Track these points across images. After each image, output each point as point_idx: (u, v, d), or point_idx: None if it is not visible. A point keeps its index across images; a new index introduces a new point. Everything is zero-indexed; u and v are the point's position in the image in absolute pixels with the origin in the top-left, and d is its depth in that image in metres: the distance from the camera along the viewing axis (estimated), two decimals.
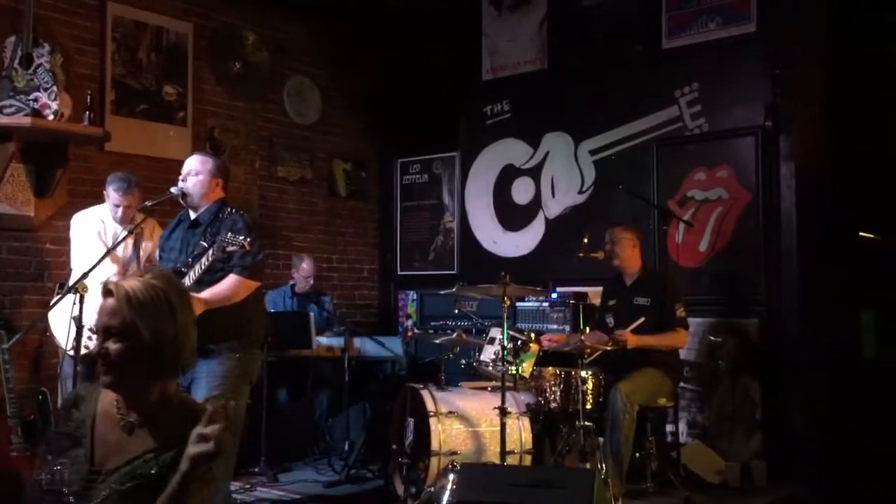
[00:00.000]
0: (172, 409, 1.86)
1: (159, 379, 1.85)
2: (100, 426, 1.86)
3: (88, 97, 5.16)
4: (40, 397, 4.68)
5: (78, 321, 4.31)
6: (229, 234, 3.62)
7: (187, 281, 3.68)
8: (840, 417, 5.23)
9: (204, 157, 4.10)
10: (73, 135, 5.10)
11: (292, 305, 6.11)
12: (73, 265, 4.76)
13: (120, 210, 4.69)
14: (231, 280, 3.79)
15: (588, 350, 4.53)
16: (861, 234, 5.72)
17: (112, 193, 4.70)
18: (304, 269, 6.19)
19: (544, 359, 4.92)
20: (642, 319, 4.68)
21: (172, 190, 4.01)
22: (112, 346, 1.80)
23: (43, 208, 5.20)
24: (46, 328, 4.64)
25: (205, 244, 3.74)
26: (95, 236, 4.71)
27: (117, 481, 1.77)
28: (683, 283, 5.61)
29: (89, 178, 5.39)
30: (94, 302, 4.47)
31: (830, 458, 5.14)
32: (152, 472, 1.76)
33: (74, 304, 3.88)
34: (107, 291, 1.84)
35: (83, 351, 4.18)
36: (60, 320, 4.51)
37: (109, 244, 4.66)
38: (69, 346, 4.42)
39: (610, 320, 4.97)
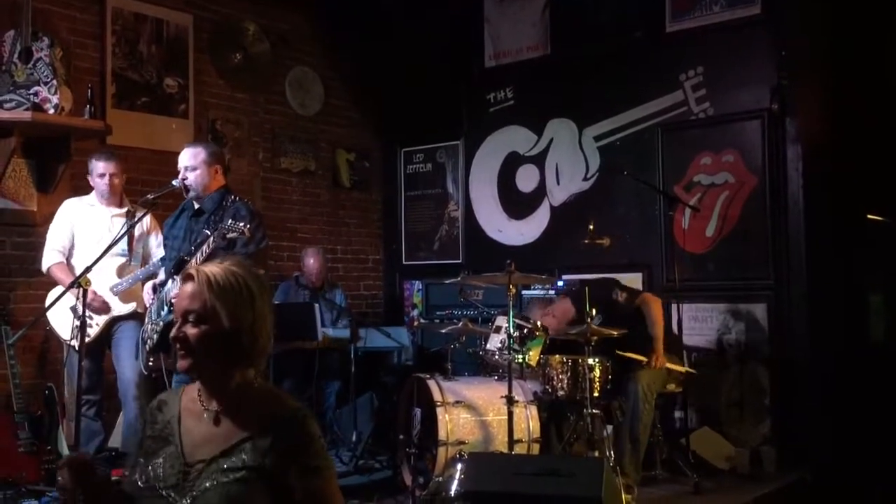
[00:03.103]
0: (255, 396, 1.85)
1: (237, 366, 1.84)
2: (185, 421, 1.87)
3: (89, 91, 5.13)
4: (47, 392, 4.69)
5: (77, 312, 4.33)
6: (230, 221, 3.61)
7: None
8: (849, 402, 5.20)
9: (195, 148, 4.08)
10: (74, 129, 5.08)
11: (303, 297, 6.08)
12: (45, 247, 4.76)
13: (106, 179, 4.69)
14: None
15: (595, 337, 4.50)
16: (869, 216, 5.67)
17: (95, 164, 4.72)
18: (308, 265, 6.17)
19: (551, 347, 4.91)
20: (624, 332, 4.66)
21: (174, 183, 4.01)
22: (190, 330, 1.81)
23: (45, 203, 5.18)
24: (48, 322, 4.64)
25: (207, 232, 3.73)
26: (66, 224, 4.71)
27: (218, 472, 1.76)
28: (690, 269, 5.59)
29: None
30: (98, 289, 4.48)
31: (839, 442, 5.11)
32: (257, 463, 1.75)
33: (78, 298, 3.87)
34: (187, 276, 1.85)
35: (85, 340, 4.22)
36: (59, 312, 4.51)
37: (88, 230, 4.65)
38: (71, 337, 4.44)
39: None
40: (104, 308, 4.59)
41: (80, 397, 4.07)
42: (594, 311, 4.72)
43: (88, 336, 4.45)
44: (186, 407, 1.89)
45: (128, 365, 4.57)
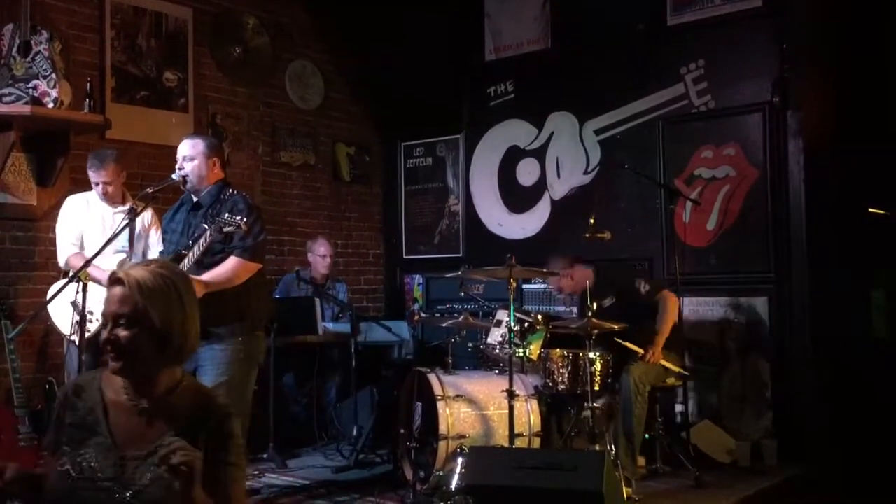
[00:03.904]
0: (183, 393, 1.92)
1: (168, 365, 1.91)
2: (112, 414, 1.90)
3: (88, 84, 5.12)
4: (47, 387, 4.69)
5: (77, 307, 4.32)
6: (227, 214, 3.59)
7: (187, 262, 3.65)
8: (850, 396, 5.19)
9: (193, 140, 4.05)
10: (73, 123, 5.06)
11: (305, 292, 6.07)
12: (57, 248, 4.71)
13: (100, 188, 4.62)
14: (231, 262, 3.76)
15: (595, 331, 4.50)
16: (871, 210, 5.65)
17: (88, 171, 4.65)
18: (319, 251, 6.16)
19: (552, 341, 4.90)
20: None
21: (173, 176, 3.98)
22: (122, 332, 1.85)
23: (45, 197, 5.17)
24: (48, 316, 4.62)
25: (205, 226, 3.71)
26: (73, 220, 4.65)
27: (156, 466, 1.80)
28: (691, 263, 5.58)
29: None
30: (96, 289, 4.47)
31: (840, 436, 5.11)
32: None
33: (77, 292, 3.86)
34: (115, 280, 1.88)
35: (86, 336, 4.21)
36: (59, 307, 4.49)
37: (92, 228, 4.62)
38: (71, 332, 4.42)
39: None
40: None
41: None
42: (609, 297, 4.76)
43: (88, 331, 4.44)
44: (112, 399, 1.92)
45: None
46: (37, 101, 4.77)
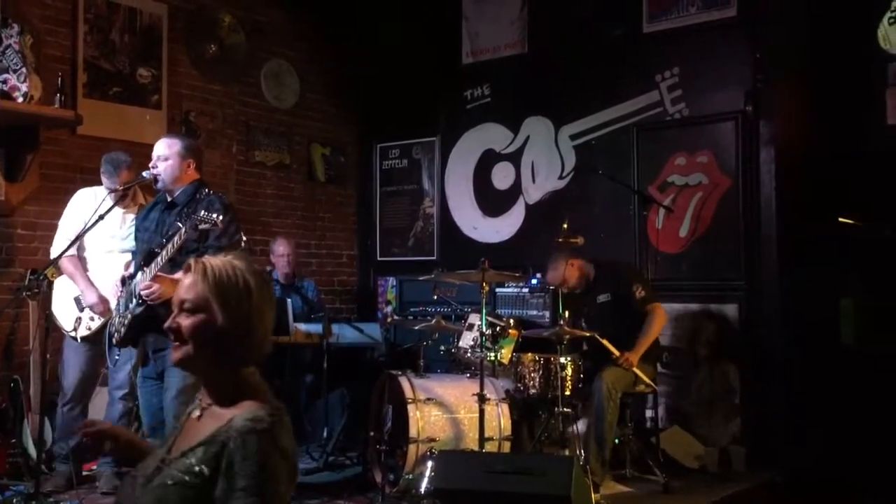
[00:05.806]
0: (239, 397, 1.76)
1: (231, 360, 1.78)
2: (192, 415, 1.83)
3: (59, 79, 5.05)
4: (12, 385, 4.61)
5: (79, 303, 4.32)
6: (203, 212, 3.55)
7: (160, 260, 3.61)
8: (818, 402, 5.24)
9: (171, 139, 4.00)
10: (43, 118, 4.99)
11: (275, 292, 6.02)
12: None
13: (112, 194, 4.53)
14: None
15: (567, 336, 4.51)
16: (840, 219, 5.71)
17: (102, 178, 4.58)
18: (277, 251, 6.12)
19: (523, 345, 4.91)
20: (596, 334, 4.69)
21: (144, 174, 3.94)
22: (184, 320, 1.76)
23: (14, 193, 5.09)
24: (17, 315, 4.55)
25: (179, 224, 3.67)
26: (76, 215, 4.55)
27: (171, 472, 1.69)
28: (663, 269, 5.61)
29: (61, 161, 5.30)
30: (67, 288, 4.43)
31: (808, 443, 5.16)
32: (196, 469, 1.66)
33: (41, 290, 3.81)
34: (187, 267, 1.82)
35: (85, 332, 4.35)
36: (61, 302, 4.45)
37: (98, 225, 4.53)
38: (72, 327, 4.39)
39: (582, 324, 4.94)
40: (107, 310, 4.45)
41: (44, 390, 4.01)
42: (606, 293, 4.85)
43: (90, 329, 4.40)
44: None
45: (123, 367, 4.48)
46: (6, 95, 4.71)
